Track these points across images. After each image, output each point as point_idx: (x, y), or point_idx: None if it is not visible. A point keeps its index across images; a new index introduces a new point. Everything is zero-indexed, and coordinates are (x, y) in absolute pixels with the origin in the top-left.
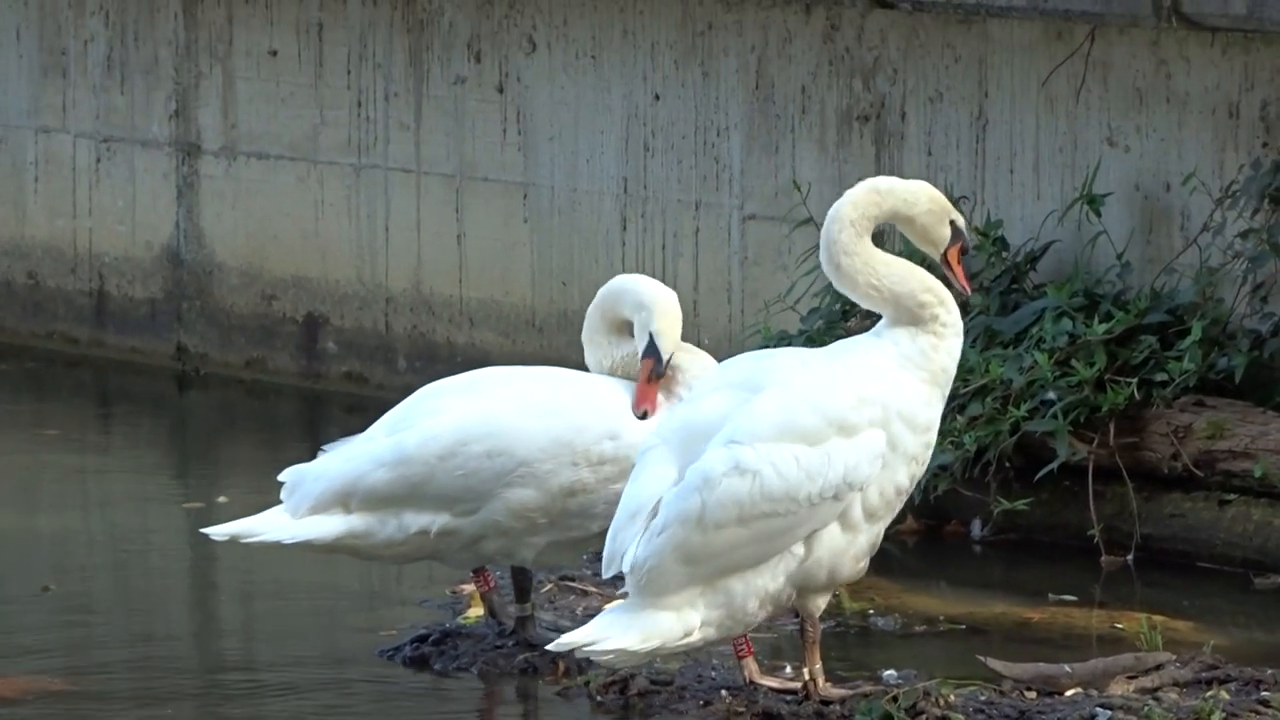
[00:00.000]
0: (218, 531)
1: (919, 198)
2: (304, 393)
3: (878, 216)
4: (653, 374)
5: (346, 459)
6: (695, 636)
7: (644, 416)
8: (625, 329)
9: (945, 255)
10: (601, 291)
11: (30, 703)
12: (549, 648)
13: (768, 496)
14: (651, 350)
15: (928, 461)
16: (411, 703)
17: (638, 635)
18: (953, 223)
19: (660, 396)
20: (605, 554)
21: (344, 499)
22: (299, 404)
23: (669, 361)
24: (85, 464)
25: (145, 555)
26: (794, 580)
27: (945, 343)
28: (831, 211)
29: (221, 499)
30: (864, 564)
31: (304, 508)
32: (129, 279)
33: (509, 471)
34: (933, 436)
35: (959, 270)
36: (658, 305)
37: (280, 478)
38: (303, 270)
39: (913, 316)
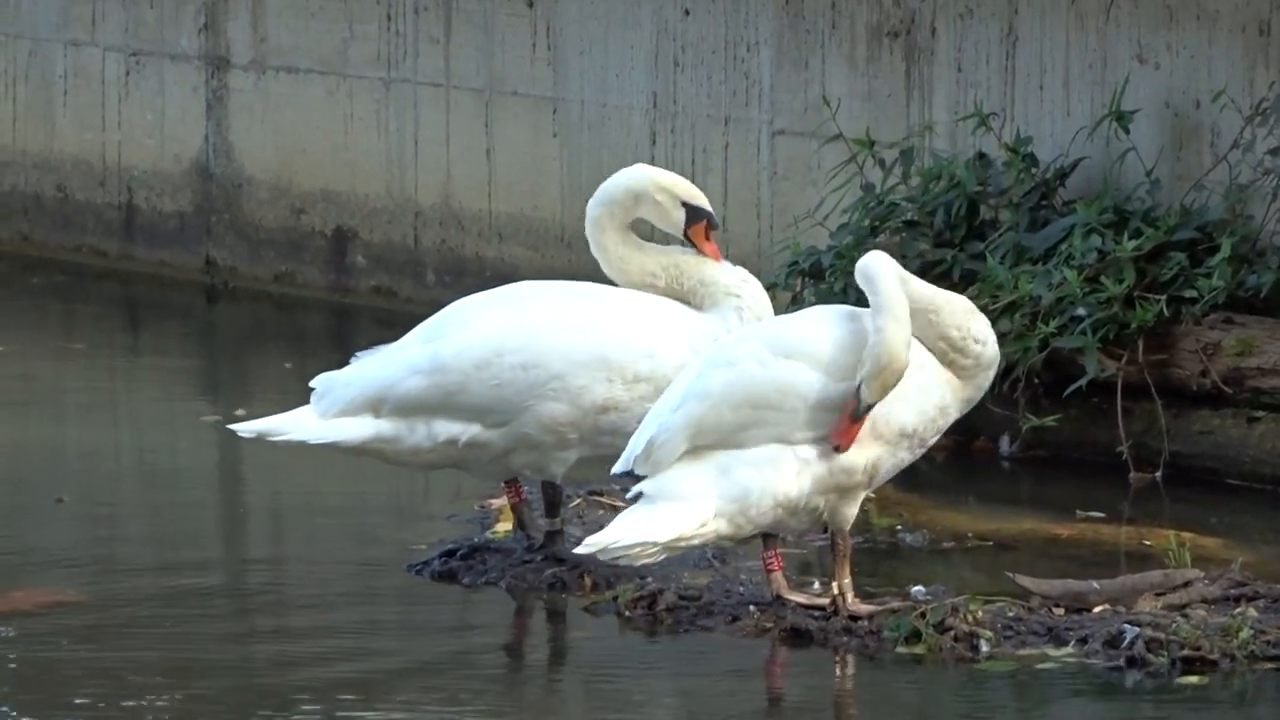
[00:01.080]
0: (245, 428)
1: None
2: (332, 306)
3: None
4: (709, 230)
5: (380, 365)
6: (709, 528)
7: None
8: (635, 230)
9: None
10: (604, 192)
11: (48, 616)
12: (576, 551)
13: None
14: (698, 213)
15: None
16: (439, 617)
17: (657, 528)
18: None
19: (693, 312)
20: (623, 454)
21: (375, 404)
22: (327, 318)
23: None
24: (114, 376)
25: (171, 467)
26: (819, 486)
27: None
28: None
29: (239, 413)
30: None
31: (334, 411)
32: (158, 192)
33: (542, 384)
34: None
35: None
36: (668, 177)
37: (312, 384)
38: (332, 184)
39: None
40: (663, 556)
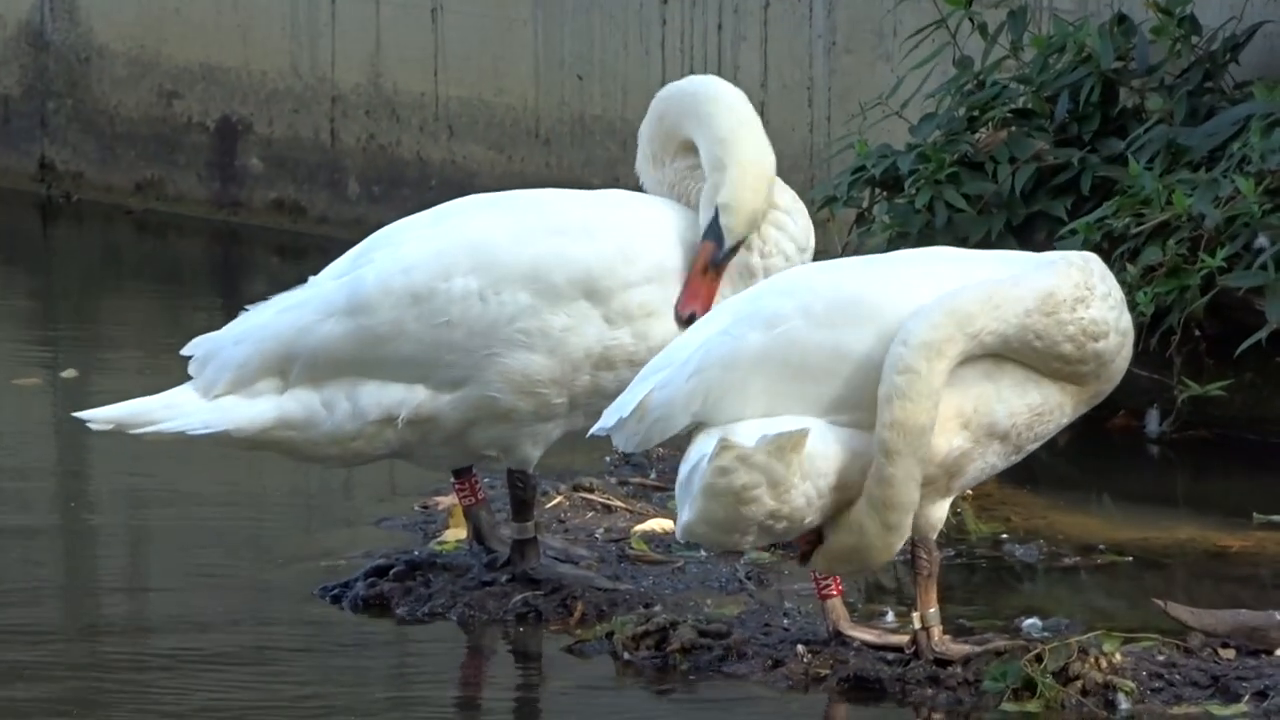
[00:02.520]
0: (98, 417)
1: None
2: (216, 229)
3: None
4: (710, 264)
5: (281, 311)
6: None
7: (690, 320)
8: (692, 151)
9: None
10: (656, 101)
11: None
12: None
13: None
14: (714, 230)
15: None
16: (365, 661)
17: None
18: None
19: (726, 289)
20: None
21: (279, 367)
22: (210, 243)
23: (737, 248)
24: None
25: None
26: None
27: None
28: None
29: (67, 373)
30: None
31: (221, 382)
32: None
33: (507, 321)
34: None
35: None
36: (738, 151)
37: (186, 350)
38: (215, 58)
39: None
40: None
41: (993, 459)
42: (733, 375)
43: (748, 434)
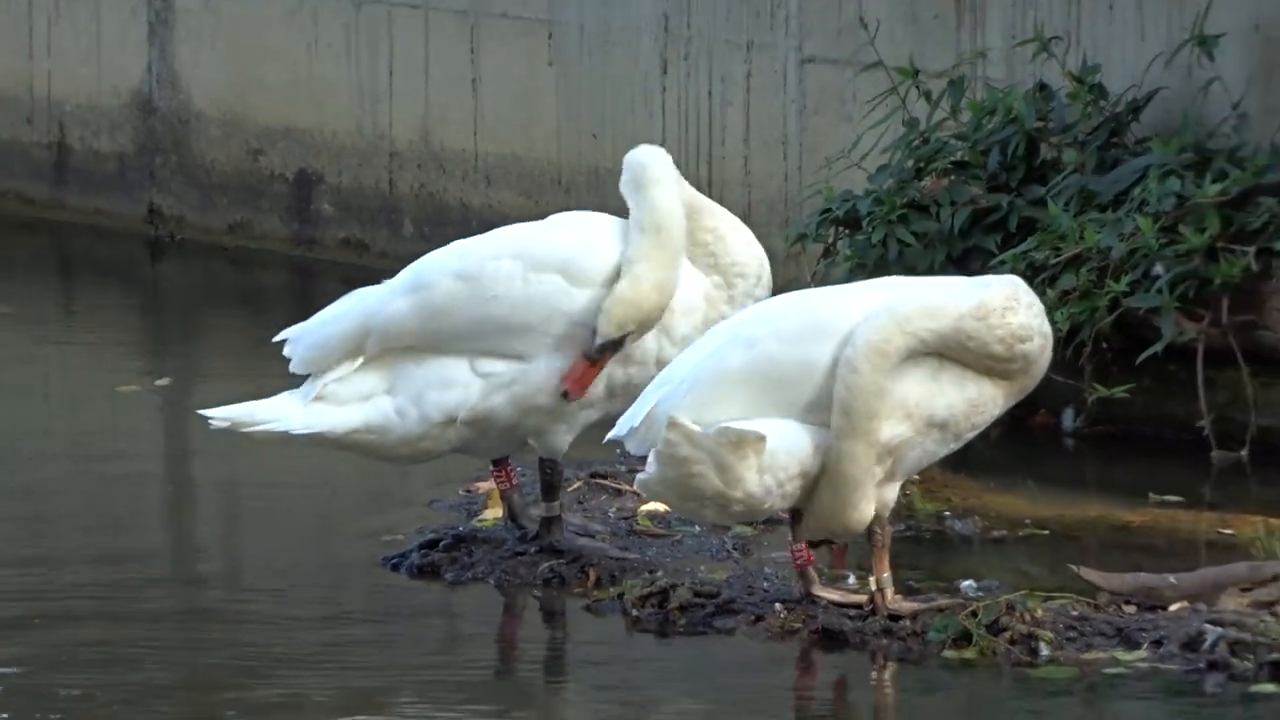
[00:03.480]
0: (217, 415)
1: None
2: (295, 262)
3: None
4: (585, 355)
5: (359, 299)
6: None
7: (564, 397)
8: None
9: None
10: (627, 159)
11: None
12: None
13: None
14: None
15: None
16: (419, 619)
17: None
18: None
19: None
20: (621, 420)
21: (357, 341)
22: (289, 275)
23: (611, 345)
24: (44, 344)
25: (111, 448)
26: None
27: None
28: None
29: (161, 381)
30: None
31: (311, 356)
32: (94, 130)
33: (543, 300)
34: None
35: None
36: (641, 270)
37: (279, 337)
38: (293, 120)
39: None
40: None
41: (933, 446)
42: (721, 388)
43: (710, 423)
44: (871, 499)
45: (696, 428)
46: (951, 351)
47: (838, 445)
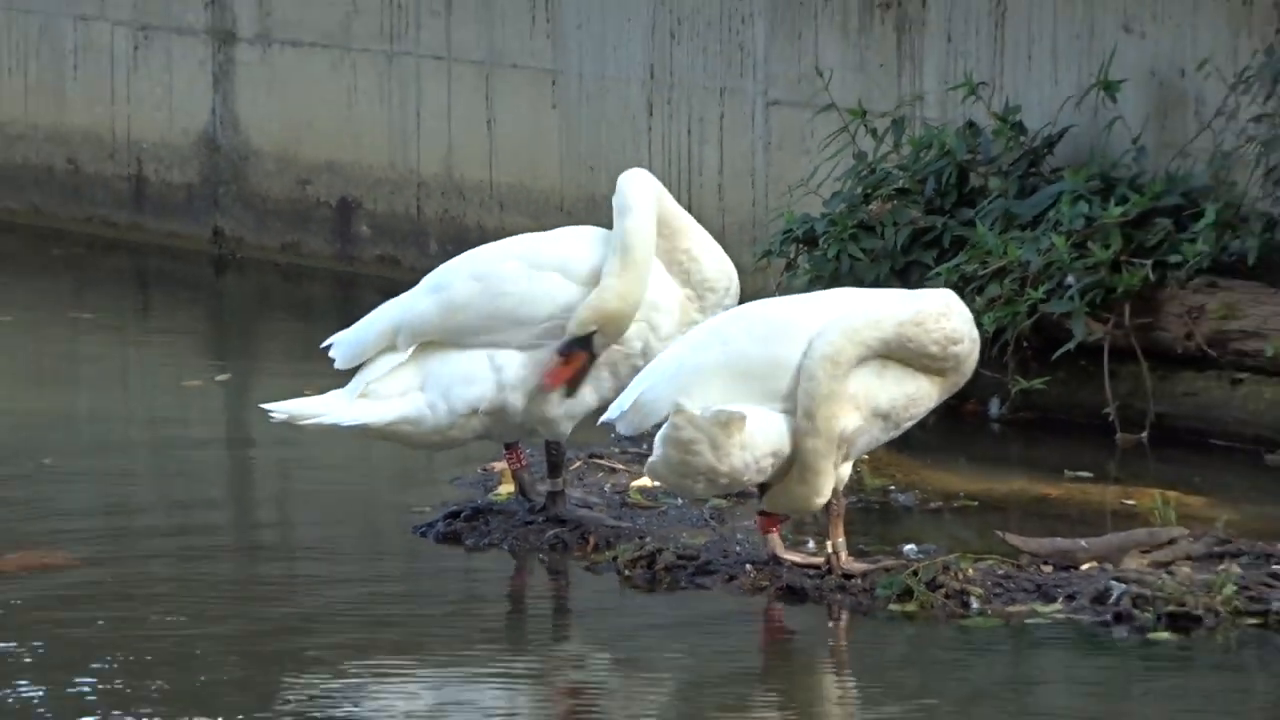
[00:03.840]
0: (277, 409)
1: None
2: (338, 275)
3: None
4: (559, 350)
5: (392, 303)
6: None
7: (541, 389)
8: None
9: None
10: (621, 179)
11: (59, 575)
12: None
13: None
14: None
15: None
16: (444, 577)
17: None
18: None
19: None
20: (612, 404)
21: (391, 336)
22: (332, 286)
23: (579, 344)
24: (123, 345)
25: (182, 433)
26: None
27: None
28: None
29: (221, 377)
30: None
31: (354, 353)
32: (166, 164)
33: (545, 295)
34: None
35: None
36: (613, 282)
37: (326, 343)
38: (336, 156)
39: None
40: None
41: (878, 433)
42: (699, 378)
43: (701, 407)
44: (830, 484)
45: (697, 411)
46: (894, 353)
47: (802, 443)
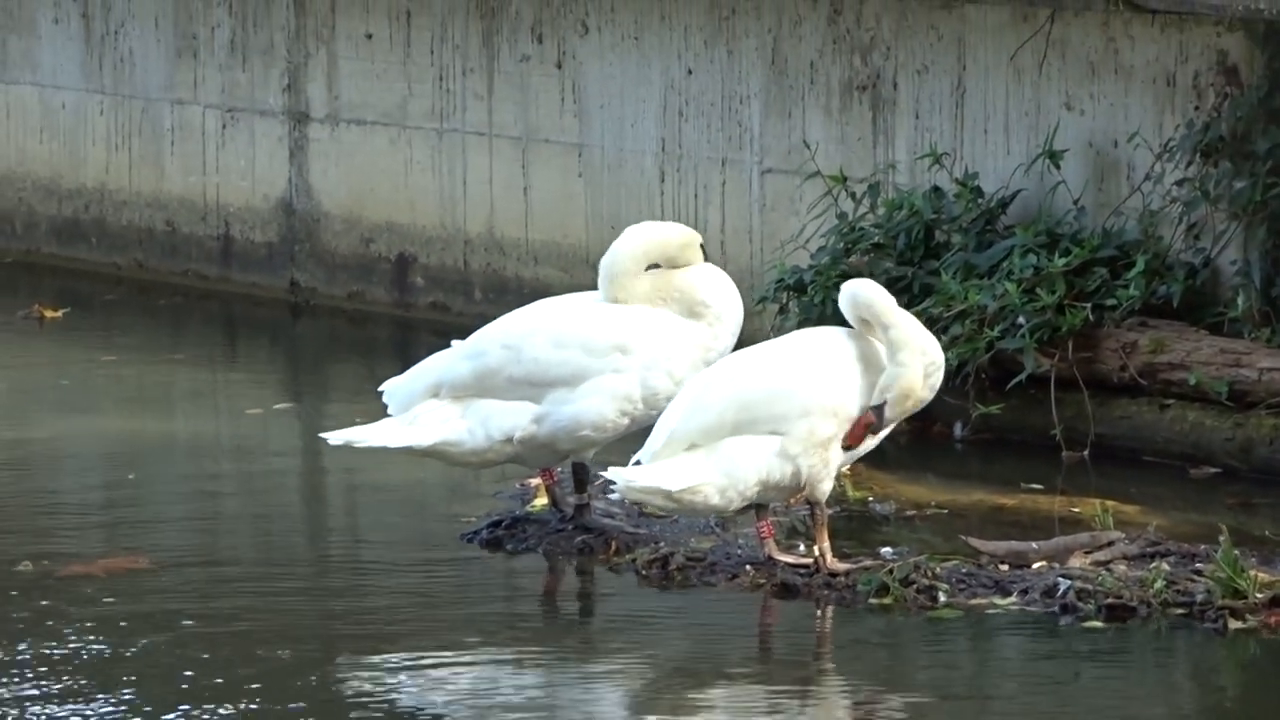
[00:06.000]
0: (334, 436)
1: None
2: (396, 320)
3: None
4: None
5: (436, 359)
6: (703, 494)
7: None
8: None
9: None
10: (645, 243)
11: (154, 575)
12: (614, 482)
13: None
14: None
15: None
16: (487, 578)
17: (669, 478)
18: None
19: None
20: (644, 448)
21: (435, 389)
22: (392, 330)
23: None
24: (212, 380)
25: (262, 455)
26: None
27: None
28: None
29: (278, 406)
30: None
31: (405, 401)
32: (250, 226)
33: (563, 364)
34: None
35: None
36: (657, 234)
37: (380, 389)
38: (395, 217)
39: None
40: (669, 506)
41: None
42: (709, 415)
43: (650, 473)
44: (831, 482)
45: (636, 483)
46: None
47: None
